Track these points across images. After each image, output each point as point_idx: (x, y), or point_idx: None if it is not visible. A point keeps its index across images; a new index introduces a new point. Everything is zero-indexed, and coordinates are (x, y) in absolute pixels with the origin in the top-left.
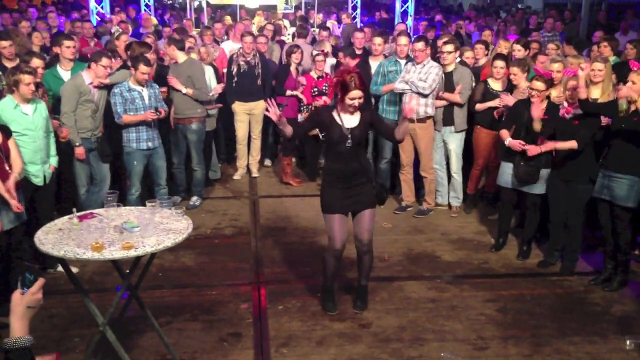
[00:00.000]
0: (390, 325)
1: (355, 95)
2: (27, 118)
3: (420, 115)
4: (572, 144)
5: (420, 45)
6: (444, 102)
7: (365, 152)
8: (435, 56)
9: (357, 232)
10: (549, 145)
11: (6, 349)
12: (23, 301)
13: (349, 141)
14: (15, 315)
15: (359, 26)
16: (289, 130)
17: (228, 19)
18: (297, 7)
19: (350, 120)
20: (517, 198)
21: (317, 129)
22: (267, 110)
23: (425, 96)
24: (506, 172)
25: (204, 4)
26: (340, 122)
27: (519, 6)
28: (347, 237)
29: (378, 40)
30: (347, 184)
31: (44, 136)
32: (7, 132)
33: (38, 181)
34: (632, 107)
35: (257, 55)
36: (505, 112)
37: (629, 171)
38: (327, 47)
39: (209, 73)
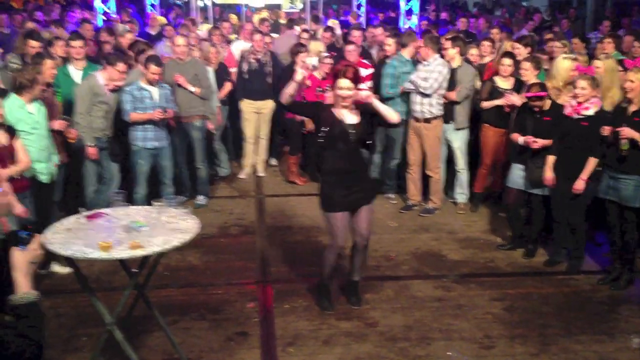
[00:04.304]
0: (397, 324)
1: (342, 85)
2: (33, 117)
3: (426, 116)
4: (592, 162)
5: (421, 42)
6: (443, 100)
7: (361, 151)
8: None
9: (358, 227)
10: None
11: (15, 305)
12: (25, 258)
13: (351, 137)
14: (20, 272)
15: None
16: (286, 99)
17: (234, 18)
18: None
19: (351, 118)
20: (523, 200)
21: (312, 126)
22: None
23: (428, 96)
24: (516, 174)
25: (209, 3)
26: (341, 118)
27: (523, 4)
28: (347, 235)
29: (389, 40)
30: (348, 181)
31: (48, 134)
32: (12, 133)
33: (45, 179)
34: (633, 108)
35: (269, 53)
36: (514, 109)
37: (635, 171)
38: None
39: (210, 74)
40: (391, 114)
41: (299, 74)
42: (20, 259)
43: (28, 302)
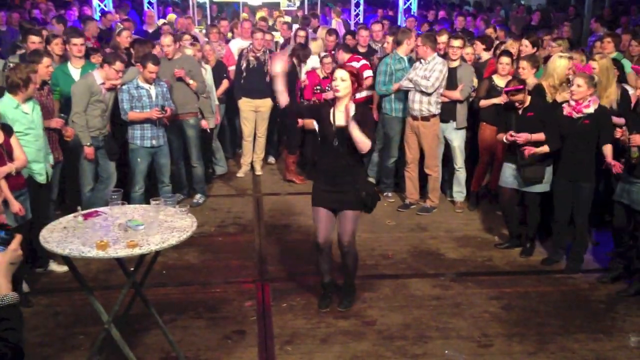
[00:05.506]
0: (395, 322)
1: (337, 75)
2: (28, 117)
3: (424, 114)
4: (609, 148)
5: (419, 41)
6: (444, 99)
7: (358, 155)
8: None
9: (338, 232)
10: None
11: None
12: (5, 259)
13: (335, 139)
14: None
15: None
16: (284, 99)
17: (245, 16)
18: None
19: (341, 118)
20: (517, 199)
21: (315, 124)
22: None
23: (428, 94)
24: (508, 173)
25: (206, 1)
26: (332, 119)
27: (522, 2)
28: (331, 233)
29: (390, 38)
30: (331, 180)
31: (43, 134)
32: (8, 130)
33: (42, 179)
34: None
35: (267, 51)
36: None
37: None
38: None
39: (208, 73)
40: (363, 143)
41: (277, 66)
42: (0, 260)
43: (8, 304)
